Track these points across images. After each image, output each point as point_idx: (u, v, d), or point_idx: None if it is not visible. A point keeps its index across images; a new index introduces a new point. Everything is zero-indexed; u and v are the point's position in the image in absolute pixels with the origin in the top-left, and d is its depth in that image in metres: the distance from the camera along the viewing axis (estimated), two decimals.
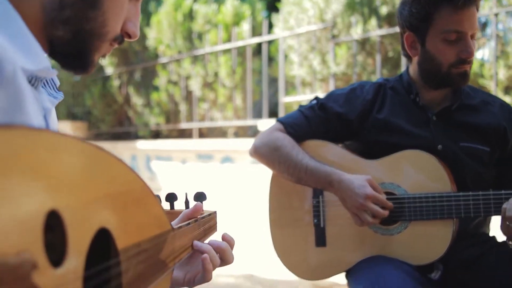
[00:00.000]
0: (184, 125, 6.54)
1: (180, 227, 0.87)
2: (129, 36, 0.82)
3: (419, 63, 1.66)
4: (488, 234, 1.72)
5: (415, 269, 1.53)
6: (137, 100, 7.19)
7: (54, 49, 0.74)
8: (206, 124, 6.25)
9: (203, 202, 1.07)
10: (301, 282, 3.31)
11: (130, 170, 0.69)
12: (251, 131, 6.19)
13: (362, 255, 1.61)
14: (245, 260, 3.82)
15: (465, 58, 1.56)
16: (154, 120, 6.94)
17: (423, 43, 1.61)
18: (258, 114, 6.17)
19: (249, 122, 5.67)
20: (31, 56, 0.67)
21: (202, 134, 6.53)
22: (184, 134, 6.81)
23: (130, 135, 7.48)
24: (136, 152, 6.78)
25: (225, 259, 0.95)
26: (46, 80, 0.78)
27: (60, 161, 0.54)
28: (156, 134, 7.11)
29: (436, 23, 1.56)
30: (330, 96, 1.76)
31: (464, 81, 1.61)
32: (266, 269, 3.68)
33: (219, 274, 3.49)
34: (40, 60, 0.68)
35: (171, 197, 1.08)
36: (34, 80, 0.69)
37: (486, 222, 1.71)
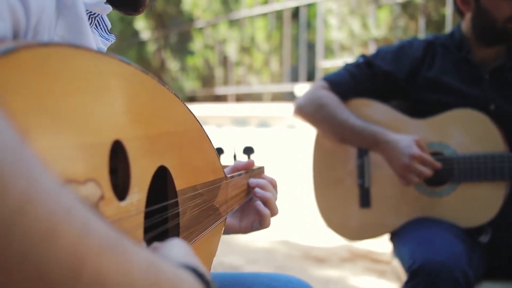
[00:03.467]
0: (219, 89, 6.52)
1: (233, 176, 0.85)
2: None
3: (473, 18, 1.58)
4: None
5: (463, 232, 1.49)
6: (172, 65, 7.19)
7: None
8: (242, 88, 6.21)
9: (251, 155, 1.05)
10: (337, 248, 3.30)
11: (189, 111, 0.67)
12: (288, 96, 6.13)
13: (408, 217, 1.58)
14: (281, 226, 3.83)
15: None
16: (190, 84, 6.95)
17: None
18: (295, 79, 6.09)
19: (286, 86, 5.61)
20: None
21: (238, 98, 6.51)
22: (220, 99, 6.80)
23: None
24: None
25: (275, 194, 0.94)
26: (98, 22, 0.76)
27: (125, 90, 0.52)
28: (192, 99, 7.13)
29: None
30: (377, 53, 1.70)
31: None
32: (302, 234, 3.68)
33: (254, 239, 3.51)
34: None
35: (218, 151, 1.07)
36: (88, 17, 0.67)
37: None
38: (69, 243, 0.32)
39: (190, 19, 6.94)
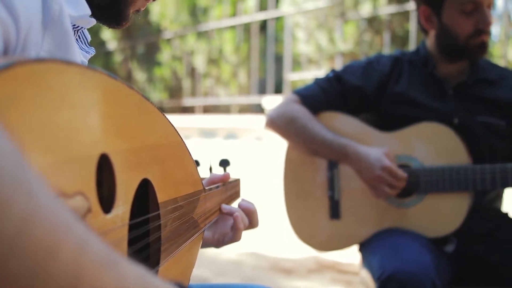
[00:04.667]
0: (187, 101, 6.51)
1: (211, 189, 0.86)
2: None
3: (436, 36, 1.64)
4: (501, 209, 1.72)
5: (430, 242, 1.54)
6: (139, 76, 7.14)
7: (90, 1, 0.72)
8: (210, 100, 6.22)
9: (227, 168, 1.06)
10: (304, 260, 3.33)
11: (170, 124, 0.68)
12: (256, 108, 6.17)
13: (377, 228, 1.61)
14: (249, 237, 3.83)
15: (483, 28, 1.56)
16: (157, 95, 6.91)
17: (439, 15, 1.60)
18: (262, 91, 6.14)
19: (254, 98, 5.65)
20: (72, 2, 0.65)
21: (206, 110, 6.51)
22: (187, 110, 6.78)
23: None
24: None
25: (252, 221, 0.94)
26: (79, 35, 0.77)
27: (111, 104, 0.52)
28: (159, 110, 7.08)
29: None
30: (346, 68, 1.74)
31: (483, 52, 1.61)
32: (270, 246, 3.70)
33: (222, 251, 3.50)
34: (81, 7, 0.66)
35: (195, 163, 1.08)
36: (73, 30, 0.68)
37: (499, 198, 1.71)
38: (68, 259, 0.33)
39: (158, 30, 6.92)
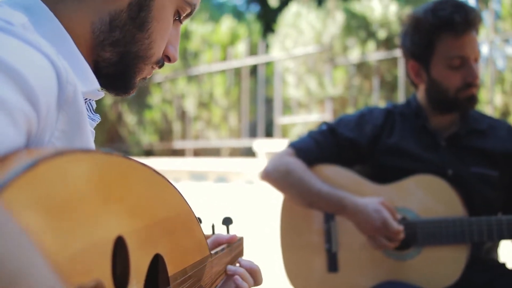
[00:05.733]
0: (177, 144, 6.52)
1: (217, 252, 0.86)
2: (169, 60, 0.81)
3: (426, 90, 1.68)
4: (497, 260, 1.73)
5: None
6: (129, 118, 7.16)
7: (98, 70, 0.73)
8: (200, 143, 6.23)
9: (230, 226, 1.06)
10: None
11: (178, 193, 0.69)
12: (246, 151, 6.19)
13: (375, 281, 1.60)
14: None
15: (471, 82, 1.60)
16: (147, 138, 6.92)
17: (428, 71, 1.64)
18: (253, 134, 6.17)
19: (244, 142, 5.67)
20: (81, 77, 0.66)
21: (196, 153, 6.52)
22: (178, 153, 6.78)
23: (122, 153, 7.44)
24: None
25: (257, 279, 0.94)
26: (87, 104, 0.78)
27: (125, 185, 0.53)
28: (149, 153, 7.08)
29: (439, 50, 1.60)
30: (340, 121, 1.77)
31: (472, 104, 1.65)
32: None
33: None
34: (91, 82, 0.67)
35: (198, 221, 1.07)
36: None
37: (495, 249, 1.72)
38: None
39: None
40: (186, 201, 0.71)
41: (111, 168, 0.51)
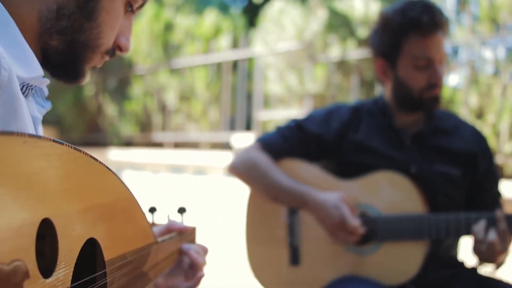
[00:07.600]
0: (157, 136, 6.50)
1: (164, 240, 0.87)
2: (121, 50, 0.82)
3: (392, 88, 1.71)
4: (457, 258, 1.76)
5: None
6: (110, 109, 7.12)
7: (46, 58, 0.74)
8: (180, 136, 6.22)
9: (184, 215, 1.07)
10: None
11: (120, 181, 0.70)
12: (225, 145, 6.20)
13: (336, 275, 1.63)
14: (215, 275, 3.79)
15: (435, 83, 1.63)
16: (127, 130, 6.89)
17: (395, 69, 1.67)
18: (232, 128, 6.18)
19: (224, 135, 5.68)
20: (24, 64, 0.67)
21: (176, 146, 6.50)
22: (157, 145, 6.76)
23: (101, 143, 7.40)
24: (107, 161, 6.70)
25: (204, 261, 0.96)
26: (36, 90, 0.78)
27: (54, 169, 0.54)
28: (128, 144, 7.05)
29: (406, 50, 1.63)
30: (308, 117, 1.79)
31: (436, 105, 1.68)
32: (236, 284, 3.66)
33: None
34: (34, 68, 0.68)
35: (151, 210, 1.08)
36: (25, 89, 0.69)
37: (455, 246, 1.75)
38: None
39: (130, 65, 6.95)
40: (128, 189, 0.72)
41: (43, 152, 0.52)
